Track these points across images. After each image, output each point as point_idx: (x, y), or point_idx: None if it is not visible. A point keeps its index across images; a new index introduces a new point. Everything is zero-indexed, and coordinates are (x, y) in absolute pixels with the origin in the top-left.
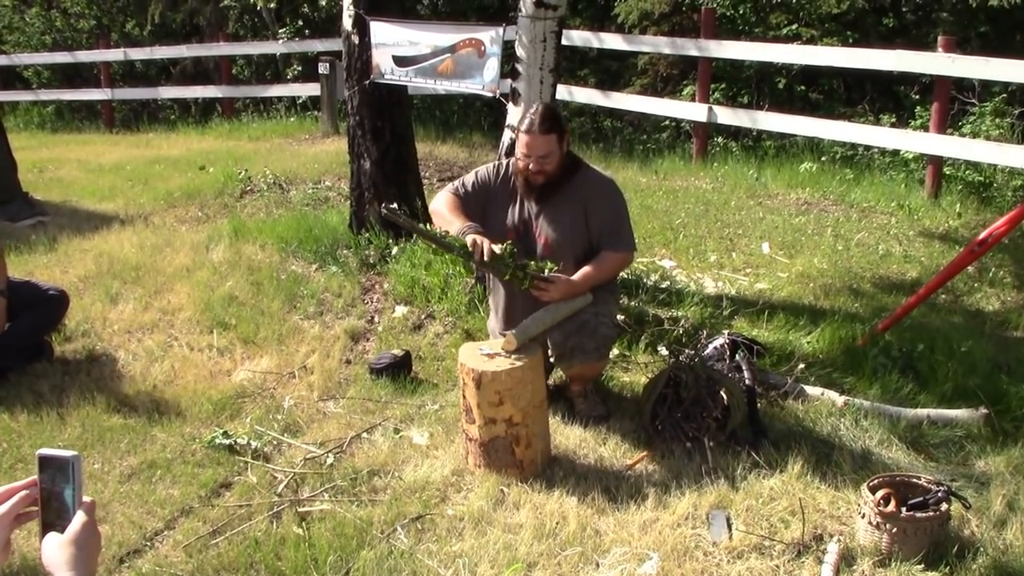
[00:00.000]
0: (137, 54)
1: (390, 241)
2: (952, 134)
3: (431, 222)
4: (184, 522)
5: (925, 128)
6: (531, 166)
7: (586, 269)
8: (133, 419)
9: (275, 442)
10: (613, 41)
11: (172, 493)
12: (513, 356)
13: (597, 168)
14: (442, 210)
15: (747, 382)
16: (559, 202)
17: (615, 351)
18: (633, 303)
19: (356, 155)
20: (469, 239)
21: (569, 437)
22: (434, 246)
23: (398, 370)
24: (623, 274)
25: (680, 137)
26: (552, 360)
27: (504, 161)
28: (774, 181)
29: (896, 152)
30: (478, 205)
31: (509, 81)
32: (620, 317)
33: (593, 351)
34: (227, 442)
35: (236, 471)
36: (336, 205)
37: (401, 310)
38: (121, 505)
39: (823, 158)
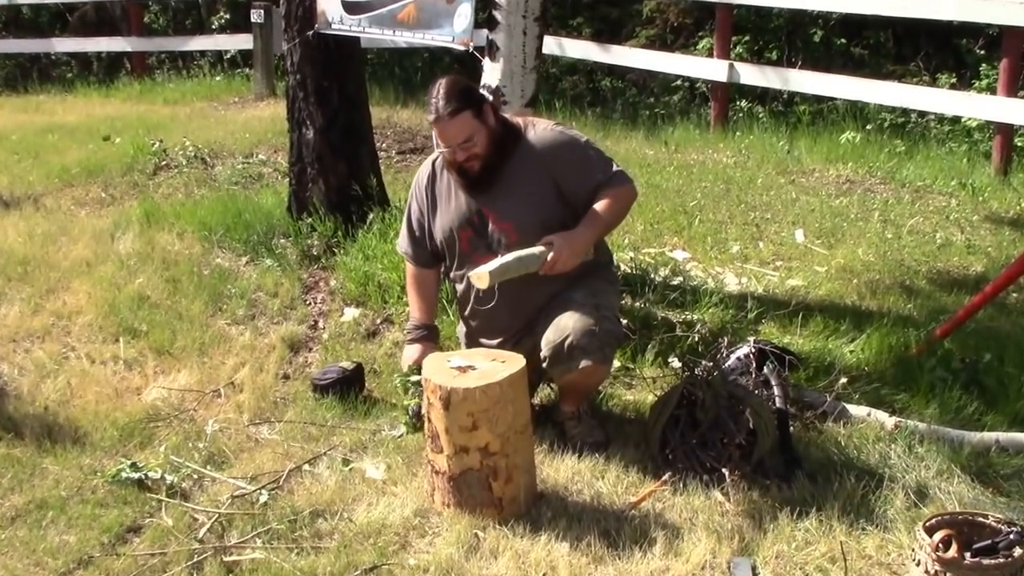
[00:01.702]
0: None
1: (338, 227)
2: None
3: (384, 205)
4: None
5: (992, 90)
6: (457, 156)
7: (591, 213)
8: (19, 448)
9: (195, 476)
10: None
11: (67, 540)
12: (490, 366)
13: (552, 124)
14: (408, 289)
15: (777, 401)
16: (513, 179)
17: (615, 362)
18: (638, 303)
19: (297, 122)
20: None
21: (559, 469)
22: None
23: (348, 387)
24: (625, 267)
25: (695, 101)
26: (544, 364)
27: (433, 156)
28: (809, 155)
29: (957, 120)
30: (431, 236)
31: (485, 32)
32: (623, 322)
33: (596, 351)
34: (136, 476)
35: (147, 512)
36: (272, 184)
37: (352, 313)
38: (2, 556)
39: (868, 127)
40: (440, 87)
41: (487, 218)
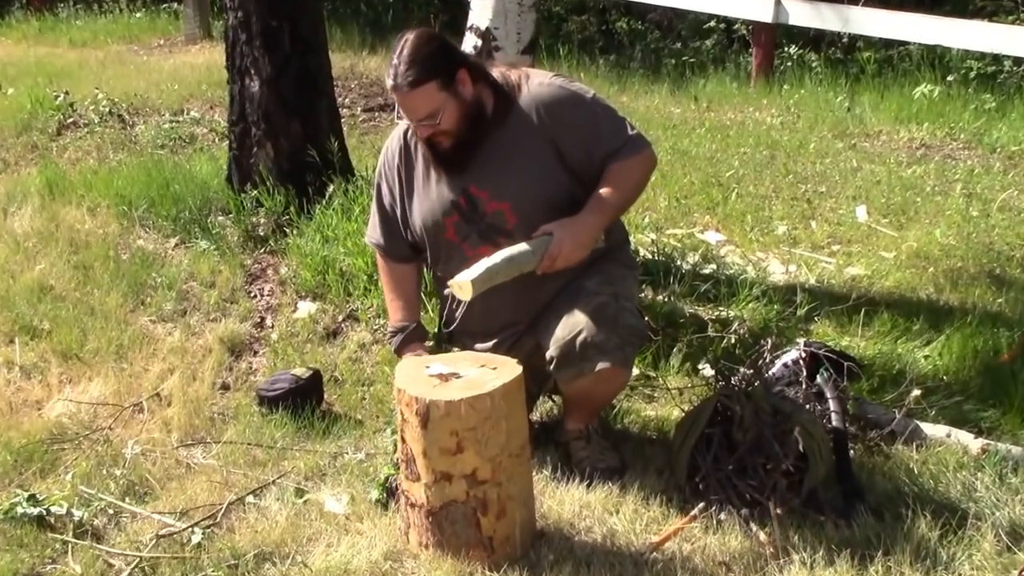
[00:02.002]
0: None
1: (291, 202)
2: None
3: (348, 175)
4: None
5: None
6: (420, 132)
7: (598, 193)
8: None
9: (111, 511)
10: None
11: None
12: (478, 374)
13: (551, 77)
14: (383, 287)
15: (834, 418)
16: (507, 149)
17: (634, 368)
18: (660, 297)
19: (239, 71)
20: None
21: (564, 502)
22: None
23: (302, 400)
24: (644, 252)
25: (733, 46)
26: (550, 367)
27: (403, 125)
28: (874, 113)
29: None
30: (408, 224)
31: None
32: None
33: (616, 350)
34: (35, 511)
35: (49, 557)
36: (207, 147)
37: (307, 308)
38: None
39: (949, 78)
40: (404, 46)
41: (477, 199)
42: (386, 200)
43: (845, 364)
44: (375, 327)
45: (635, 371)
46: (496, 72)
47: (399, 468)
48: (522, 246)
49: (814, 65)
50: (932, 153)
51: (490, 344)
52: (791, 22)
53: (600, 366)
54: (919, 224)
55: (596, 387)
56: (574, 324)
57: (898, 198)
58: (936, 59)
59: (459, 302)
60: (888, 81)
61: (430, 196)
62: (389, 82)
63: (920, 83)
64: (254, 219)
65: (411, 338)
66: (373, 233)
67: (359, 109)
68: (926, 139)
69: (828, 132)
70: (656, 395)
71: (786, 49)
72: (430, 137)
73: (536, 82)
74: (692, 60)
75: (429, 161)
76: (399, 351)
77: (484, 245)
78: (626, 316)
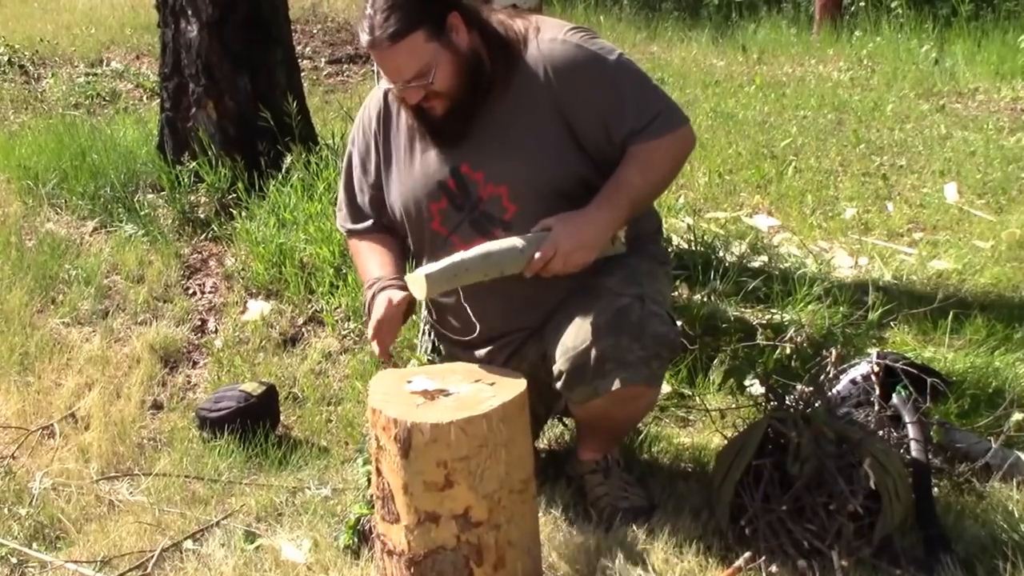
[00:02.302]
0: None
1: (239, 176)
2: None
3: (310, 143)
4: None
5: None
6: (407, 97)
7: (614, 180)
8: None
9: (15, 559)
10: None
11: None
12: (472, 390)
13: (566, 31)
14: (356, 266)
15: (913, 447)
16: (507, 120)
17: (664, 385)
18: (699, 296)
19: (172, 12)
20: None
21: (577, 550)
22: None
23: (253, 422)
24: (679, 241)
25: None
26: (559, 384)
27: (379, 89)
28: (969, 67)
29: None
30: (385, 205)
31: None
32: (678, 323)
33: (638, 364)
34: None
35: None
36: (132, 107)
37: (259, 308)
38: None
39: None
40: None
41: (470, 180)
42: (356, 173)
43: (928, 381)
44: (343, 332)
45: (666, 388)
46: (496, 20)
47: (373, 507)
48: (511, 241)
49: (894, 6)
50: None
51: (484, 352)
52: None
53: (619, 384)
54: (1023, 207)
55: (615, 409)
56: (588, 331)
57: (997, 173)
58: None
59: (446, 303)
60: (987, 27)
61: (413, 175)
62: (364, 37)
63: None
64: (192, 197)
65: (387, 287)
66: (343, 217)
67: (323, 60)
68: None
69: (910, 90)
70: (692, 418)
71: None
72: (419, 103)
73: (548, 37)
74: (739, 1)
75: (415, 133)
76: (370, 305)
77: (478, 237)
78: (654, 323)
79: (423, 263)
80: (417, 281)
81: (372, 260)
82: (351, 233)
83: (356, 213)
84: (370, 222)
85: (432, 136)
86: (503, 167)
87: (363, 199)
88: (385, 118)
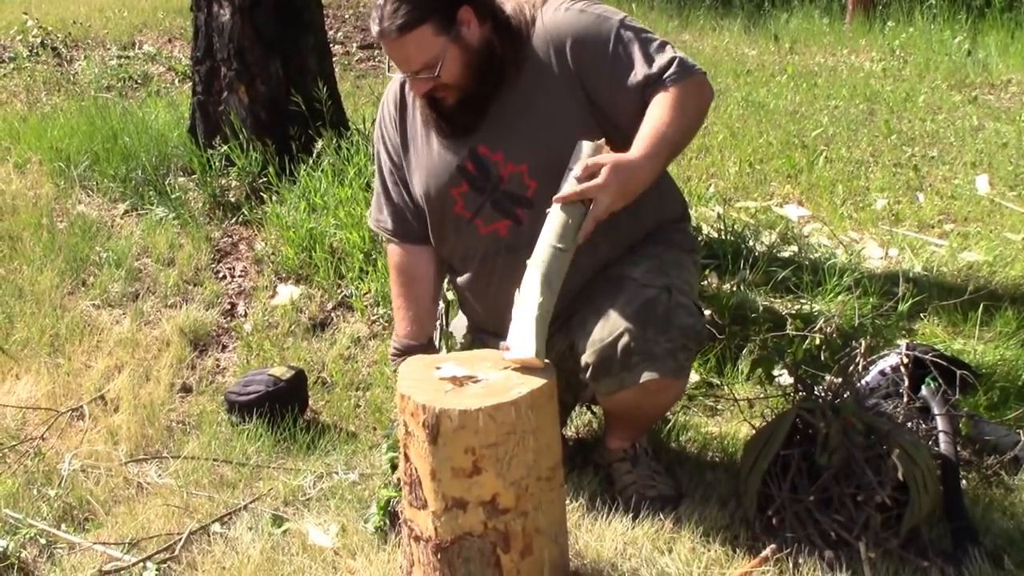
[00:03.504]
0: None
1: (270, 161)
2: None
3: (341, 128)
4: None
5: None
6: (416, 88)
7: (645, 129)
8: None
9: (44, 541)
10: None
11: None
12: (501, 377)
13: (571, 1)
14: (392, 286)
15: (942, 440)
16: (521, 98)
17: (692, 375)
18: (728, 286)
19: None
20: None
21: (603, 537)
22: None
23: (282, 406)
24: (709, 230)
25: None
26: (586, 376)
27: (395, 81)
28: (1002, 58)
29: None
30: (412, 195)
31: None
32: (706, 313)
33: (665, 357)
34: None
35: None
36: (164, 90)
37: (289, 293)
38: None
39: None
40: None
41: (489, 161)
42: (386, 167)
43: (958, 373)
44: (372, 317)
45: (694, 377)
46: (509, 6)
47: (400, 490)
48: (546, 247)
49: None
50: None
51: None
52: None
53: (646, 376)
54: None
55: (642, 400)
56: (615, 324)
57: None
58: None
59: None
60: (1020, 18)
61: (432, 161)
62: (374, 27)
63: None
64: (223, 181)
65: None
66: (379, 215)
67: (354, 46)
68: None
69: (942, 81)
70: (720, 407)
71: None
72: (429, 93)
73: (551, 9)
74: None
75: (429, 121)
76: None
77: (502, 219)
78: (680, 314)
79: (444, 246)
80: (529, 362)
81: (407, 306)
82: (386, 231)
83: (388, 211)
84: (399, 219)
85: (444, 126)
86: (522, 145)
87: (397, 193)
88: (402, 108)
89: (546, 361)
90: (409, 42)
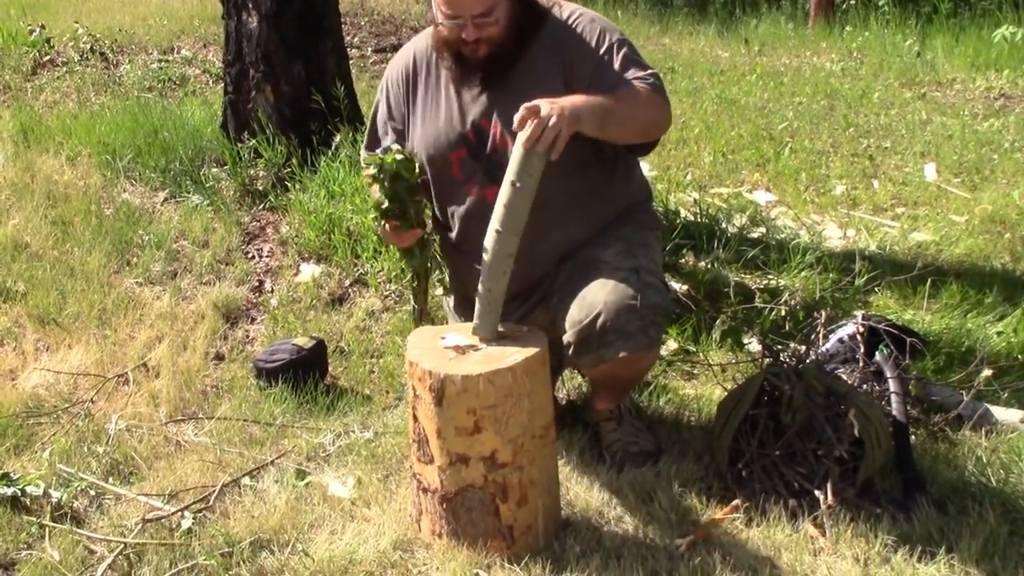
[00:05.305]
0: None
1: (293, 153)
2: None
3: (356, 123)
4: None
5: None
6: (464, 35)
7: (608, 94)
8: None
9: (93, 492)
10: None
11: None
12: (498, 345)
13: (583, 9)
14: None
15: (894, 400)
16: (526, 81)
17: (670, 342)
18: (703, 263)
19: (235, 5)
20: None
21: (592, 488)
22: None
23: (304, 372)
24: (686, 214)
25: None
26: (569, 352)
27: (412, 45)
28: (948, 59)
29: None
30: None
31: None
32: (677, 286)
33: (639, 334)
34: (9, 492)
35: (25, 541)
36: (200, 91)
37: (310, 271)
38: None
39: None
40: None
41: (486, 132)
42: (381, 116)
43: (908, 340)
44: (385, 293)
45: (673, 345)
46: None
47: (386, 210)
48: (507, 181)
49: (881, 4)
50: (1012, 104)
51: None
52: None
53: (622, 353)
54: (995, 185)
55: (621, 371)
56: (592, 305)
57: (972, 155)
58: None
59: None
60: (964, 22)
61: (438, 123)
62: None
63: (1001, 24)
64: (252, 171)
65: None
66: (365, 151)
67: (369, 49)
68: (1006, 88)
69: (894, 80)
70: (696, 372)
71: None
72: (472, 44)
73: (568, 12)
74: None
75: (445, 83)
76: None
77: (490, 186)
78: (649, 293)
79: (445, 204)
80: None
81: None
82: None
83: (376, 145)
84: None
85: (469, 76)
86: (513, 123)
87: (386, 141)
88: (413, 73)
89: (526, 328)
90: None
